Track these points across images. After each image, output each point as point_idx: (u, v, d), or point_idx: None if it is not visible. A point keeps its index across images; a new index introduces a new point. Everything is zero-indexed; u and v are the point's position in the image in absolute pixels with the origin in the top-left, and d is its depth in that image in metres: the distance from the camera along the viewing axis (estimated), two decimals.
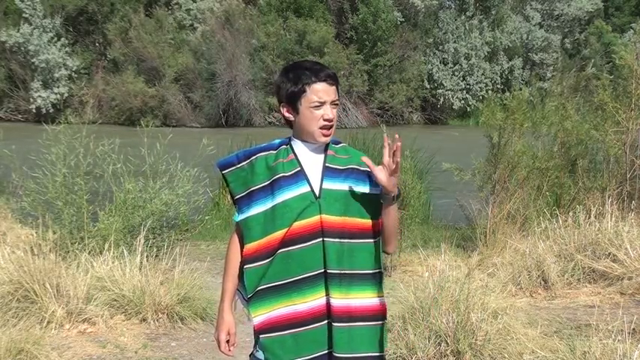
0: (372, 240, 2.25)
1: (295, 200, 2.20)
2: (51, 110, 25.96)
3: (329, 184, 2.23)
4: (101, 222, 5.92)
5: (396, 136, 2.17)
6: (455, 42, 31.93)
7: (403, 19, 31.44)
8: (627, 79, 7.35)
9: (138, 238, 5.43)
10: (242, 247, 2.27)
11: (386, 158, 2.17)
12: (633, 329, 4.17)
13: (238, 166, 2.30)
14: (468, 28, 32.13)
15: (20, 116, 27.46)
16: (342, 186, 2.24)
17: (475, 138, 8.88)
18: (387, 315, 2.31)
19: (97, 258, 5.28)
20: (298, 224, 2.18)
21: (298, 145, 2.28)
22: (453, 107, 31.84)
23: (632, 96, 7.19)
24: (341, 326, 2.18)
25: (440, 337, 4.12)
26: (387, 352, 4.18)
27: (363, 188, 2.25)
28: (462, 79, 31.80)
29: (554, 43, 33.95)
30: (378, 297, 2.26)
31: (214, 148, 6.59)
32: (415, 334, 4.15)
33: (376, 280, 2.26)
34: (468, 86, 31.85)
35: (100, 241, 5.64)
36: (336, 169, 2.26)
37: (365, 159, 2.23)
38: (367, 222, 2.24)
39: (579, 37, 35.62)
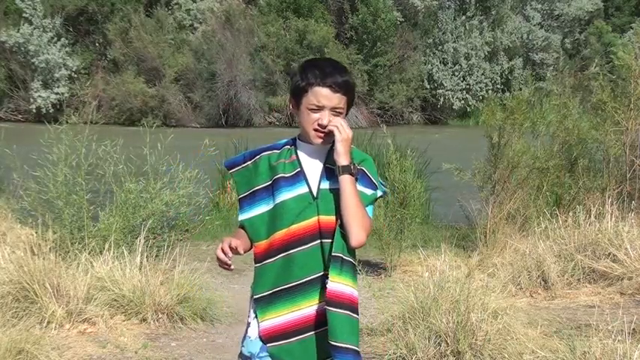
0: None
1: (293, 201, 2.19)
2: (51, 110, 25.95)
3: (326, 184, 2.22)
4: (101, 222, 5.92)
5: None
6: (455, 42, 31.95)
7: (403, 19, 31.45)
8: (626, 79, 7.36)
9: (138, 239, 5.43)
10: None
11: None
12: (633, 329, 4.16)
13: (244, 165, 2.31)
14: (467, 28, 32.13)
15: (20, 116, 27.46)
16: (338, 185, 2.20)
17: (475, 138, 8.88)
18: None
19: (97, 258, 5.28)
20: (297, 226, 2.17)
21: (302, 147, 2.27)
22: (453, 107, 31.86)
23: (631, 96, 7.19)
24: (334, 311, 2.11)
25: (440, 337, 4.12)
26: (386, 352, 4.20)
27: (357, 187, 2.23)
28: (461, 79, 31.81)
29: (554, 43, 33.96)
30: (355, 287, 2.19)
31: (216, 148, 6.58)
32: (415, 334, 4.15)
33: (355, 271, 2.22)
34: (468, 86, 31.86)
35: (100, 241, 5.64)
36: (334, 168, 2.24)
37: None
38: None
39: (579, 37, 35.65)
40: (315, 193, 2.21)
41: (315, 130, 2.19)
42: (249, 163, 2.30)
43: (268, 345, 2.20)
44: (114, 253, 5.31)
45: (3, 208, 7.23)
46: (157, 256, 5.51)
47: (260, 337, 2.23)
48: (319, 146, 2.24)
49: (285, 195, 2.20)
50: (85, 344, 4.52)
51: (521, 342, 4.18)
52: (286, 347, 2.18)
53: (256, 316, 2.24)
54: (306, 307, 2.18)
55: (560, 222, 6.32)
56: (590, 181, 7.39)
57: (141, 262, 5.23)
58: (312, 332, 2.18)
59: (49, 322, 4.61)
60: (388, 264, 6.55)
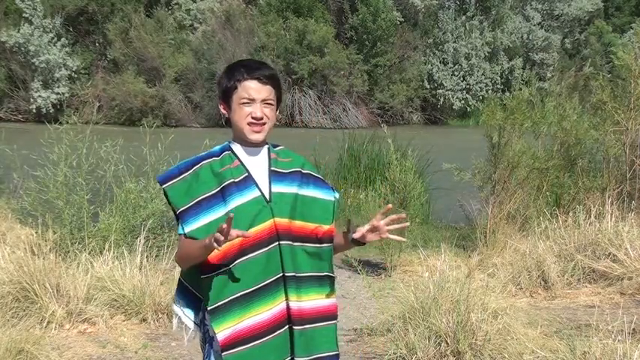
0: (315, 244, 2.24)
1: (248, 205, 2.17)
2: (51, 110, 25.97)
3: (278, 188, 2.23)
4: (101, 222, 5.93)
5: (389, 206, 2.21)
6: (455, 42, 31.94)
7: (403, 19, 31.45)
8: (626, 79, 7.36)
9: (138, 239, 5.43)
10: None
11: (377, 223, 2.22)
12: (633, 329, 4.17)
13: (180, 177, 2.23)
14: (468, 28, 32.13)
15: (20, 116, 27.46)
16: (289, 189, 2.24)
17: (475, 138, 8.88)
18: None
19: (97, 258, 5.28)
20: (255, 230, 2.14)
21: (239, 150, 2.27)
22: (453, 107, 31.85)
23: (630, 96, 7.19)
24: (300, 329, 2.18)
25: (440, 337, 4.12)
26: (386, 352, 4.20)
27: (307, 191, 2.27)
28: (462, 79, 31.81)
29: (554, 43, 33.97)
30: (328, 298, 2.25)
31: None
32: (415, 334, 4.15)
33: (322, 282, 2.25)
34: (468, 86, 31.86)
35: (100, 241, 5.64)
36: (281, 172, 2.27)
37: (359, 236, 2.25)
38: (310, 225, 2.23)
39: (579, 37, 35.66)
40: (267, 197, 2.21)
41: (250, 123, 2.21)
42: (185, 175, 2.22)
43: (224, 354, 2.13)
44: (114, 253, 5.32)
45: (3, 208, 7.23)
46: (157, 256, 5.51)
47: (214, 354, 2.21)
48: (255, 148, 2.26)
49: (237, 200, 2.17)
50: (85, 344, 4.52)
51: (521, 342, 4.18)
52: (246, 352, 2.14)
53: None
54: (264, 312, 2.15)
55: (560, 222, 6.32)
56: (590, 181, 7.39)
57: (141, 262, 5.23)
58: (272, 335, 2.16)
59: (49, 322, 4.61)
60: (388, 264, 6.55)
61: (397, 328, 4.31)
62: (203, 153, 2.31)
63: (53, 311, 4.64)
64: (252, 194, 2.20)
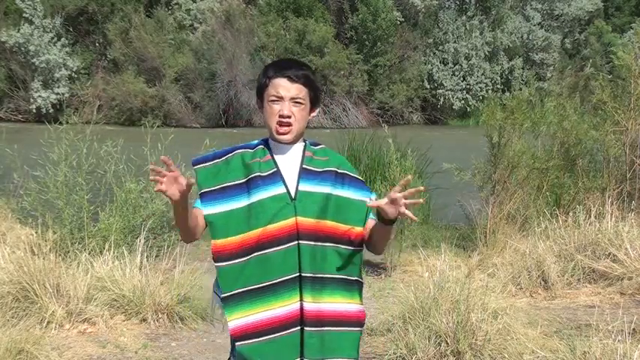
0: (347, 246, 2.22)
1: (270, 200, 2.16)
2: (51, 110, 25.98)
3: (305, 186, 2.20)
4: (101, 222, 5.93)
5: (408, 176, 2.06)
6: (455, 42, 31.95)
7: (403, 19, 31.45)
8: (626, 79, 7.36)
9: (138, 239, 5.44)
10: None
11: (394, 194, 2.03)
12: (633, 329, 4.17)
13: (212, 162, 2.26)
14: (468, 28, 32.13)
15: (20, 116, 27.48)
16: (319, 188, 2.20)
17: (475, 138, 8.88)
18: (365, 324, 2.29)
19: (97, 258, 5.28)
20: (274, 226, 2.14)
21: (275, 147, 2.26)
22: (453, 107, 31.86)
23: (630, 96, 7.19)
24: (313, 331, 2.15)
25: (440, 337, 4.12)
26: (386, 352, 4.20)
27: (341, 192, 2.23)
28: (462, 79, 31.82)
29: (554, 43, 33.97)
30: (354, 304, 2.22)
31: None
32: (415, 334, 4.15)
33: (351, 286, 2.23)
34: (468, 86, 31.87)
35: (101, 241, 5.65)
36: (313, 170, 2.24)
37: (371, 204, 2.10)
38: (342, 227, 2.20)
39: (579, 37, 35.67)
40: (292, 194, 2.19)
41: (278, 122, 2.20)
42: (218, 160, 2.26)
43: (237, 344, 2.16)
44: (114, 253, 5.32)
45: (3, 208, 7.23)
46: (157, 256, 5.52)
47: (231, 340, 2.21)
48: (291, 145, 2.25)
49: (261, 194, 2.17)
50: (85, 344, 4.52)
51: (521, 342, 4.18)
52: (255, 346, 2.15)
53: None
54: (279, 308, 2.14)
55: (560, 222, 6.32)
56: (590, 181, 7.39)
57: (141, 262, 5.23)
58: (283, 333, 2.15)
59: (49, 322, 4.61)
60: (388, 264, 6.55)
61: (397, 328, 4.31)
62: (241, 144, 2.32)
63: (53, 311, 4.64)
64: (276, 190, 2.18)
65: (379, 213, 2.11)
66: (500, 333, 4.21)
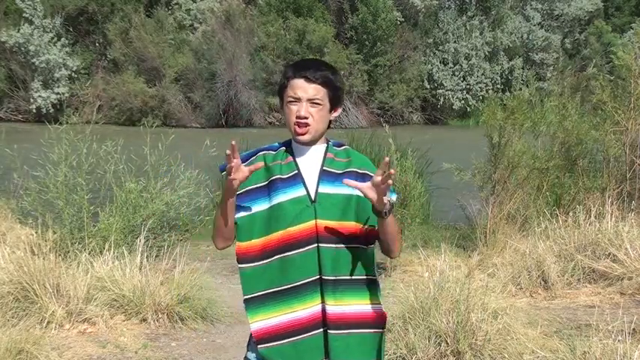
0: (365, 246, 2.21)
1: (290, 203, 2.16)
2: (51, 110, 25.95)
3: (325, 188, 2.19)
4: (101, 222, 5.93)
5: (386, 159, 2.05)
6: (455, 42, 31.95)
7: (403, 19, 31.45)
8: (626, 79, 7.36)
9: (138, 239, 5.43)
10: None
11: (377, 178, 2.04)
12: (633, 329, 4.17)
13: None
14: (468, 28, 32.14)
15: (20, 116, 27.46)
16: (339, 190, 2.19)
17: (475, 138, 8.88)
18: (387, 323, 2.25)
19: (97, 258, 5.28)
20: (294, 229, 2.14)
21: (297, 149, 2.25)
22: (453, 107, 31.85)
23: (630, 96, 7.19)
24: (337, 334, 2.15)
25: (440, 337, 4.12)
26: (387, 353, 4.20)
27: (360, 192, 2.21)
28: (462, 79, 31.81)
29: (554, 43, 33.97)
30: (375, 304, 2.22)
31: (216, 149, 6.59)
32: (415, 334, 4.15)
33: (371, 286, 2.22)
34: (468, 86, 31.87)
35: (100, 241, 5.65)
36: (333, 172, 2.22)
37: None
38: (363, 227, 2.20)
39: (579, 37, 35.65)
40: (313, 197, 2.18)
41: (296, 123, 2.18)
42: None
43: (259, 346, 2.17)
44: (114, 253, 5.32)
45: (3, 208, 7.23)
46: (157, 256, 5.52)
47: (250, 337, 2.22)
48: (312, 147, 2.24)
49: (282, 197, 2.17)
50: (85, 344, 4.52)
51: (521, 342, 4.18)
52: (278, 349, 2.16)
53: None
54: (301, 310, 2.15)
55: (560, 222, 6.32)
56: (590, 181, 7.39)
57: (141, 262, 5.23)
58: (305, 335, 2.15)
59: (49, 322, 4.61)
60: (388, 264, 6.55)
61: (397, 328, 4.31)
62: (264, 146, 2.32)
63: (53, 311, 4.64)
64: (296, 193, 2.18)
65: (373, 206, 2.12)
66: (500, 333, 4.21)
